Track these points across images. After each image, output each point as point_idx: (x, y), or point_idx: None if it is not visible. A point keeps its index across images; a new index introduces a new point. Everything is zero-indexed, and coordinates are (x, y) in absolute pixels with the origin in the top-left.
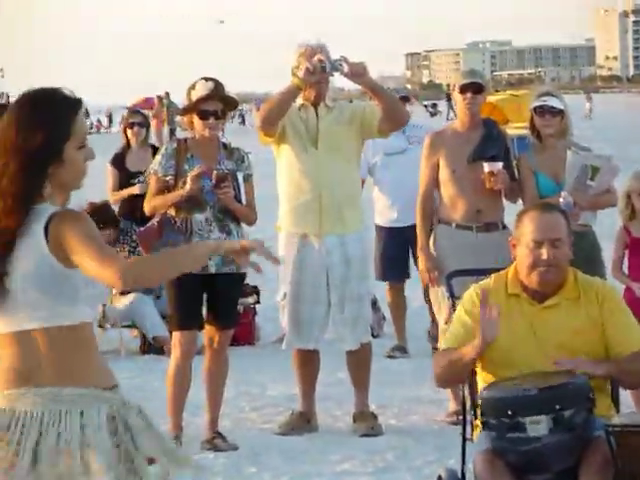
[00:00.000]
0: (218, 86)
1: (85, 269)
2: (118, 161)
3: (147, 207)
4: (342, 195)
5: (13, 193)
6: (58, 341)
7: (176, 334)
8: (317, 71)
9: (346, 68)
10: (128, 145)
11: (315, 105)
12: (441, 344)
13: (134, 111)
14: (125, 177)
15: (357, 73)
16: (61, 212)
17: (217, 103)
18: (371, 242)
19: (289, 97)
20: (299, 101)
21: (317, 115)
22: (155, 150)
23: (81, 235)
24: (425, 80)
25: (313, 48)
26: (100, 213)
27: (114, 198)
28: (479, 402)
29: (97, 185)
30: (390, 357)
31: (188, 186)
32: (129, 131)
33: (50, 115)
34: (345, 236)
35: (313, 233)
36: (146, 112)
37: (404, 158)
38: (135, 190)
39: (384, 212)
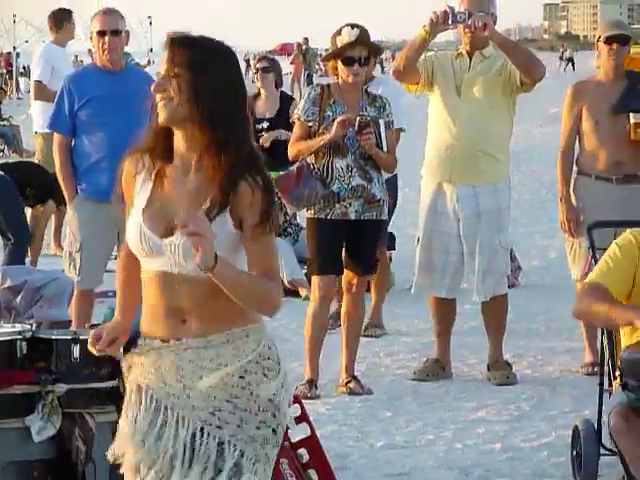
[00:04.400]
0: (363, 33)
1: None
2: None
3: (291, 152)
4: (478, 145)
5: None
6: None
7: (315, 278)
8: (439, 22)
9: (469, 21)
10: (259, 91)
11: (470, 54)
12: (590, 276)
13: (261, 57)
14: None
15: (479, 27)
16: None
17: (362, 50)
18: (508, 193)
19: (416, 47)
20: (460, 49)
21: (470, 64)
22: (283, 97)
23: None
24: (562, 31)
25: None
26: None
27: None
28: (620, 363)
29: None
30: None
31: (334, 131)
32: (255, 76)
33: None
34: (478, 187)
35: (446, 181)
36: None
37: None
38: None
39: None
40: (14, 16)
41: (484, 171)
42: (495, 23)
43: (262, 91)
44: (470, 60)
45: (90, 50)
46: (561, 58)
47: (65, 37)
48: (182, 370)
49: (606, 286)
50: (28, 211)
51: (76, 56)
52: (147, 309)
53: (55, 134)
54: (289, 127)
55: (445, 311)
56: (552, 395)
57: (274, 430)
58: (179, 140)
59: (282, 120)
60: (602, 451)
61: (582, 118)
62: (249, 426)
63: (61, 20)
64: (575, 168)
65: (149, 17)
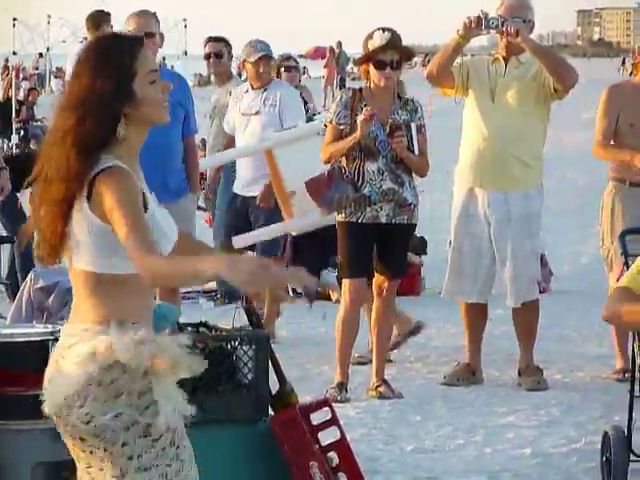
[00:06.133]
0: (395, 36)
1: (122, 243)
2: None
3: (323, 155)
4: (510, 151)
5: (83, 142)
6: (80, 283)
7: (345, 282)
8: (473, 27)
9: (502, 27)
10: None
11: (506, 59)
12: (620, 281)
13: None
14: None
15: (512, 33)
16: (109, 168)
17: (394, 53)
18: (540, 199)
19: (450, 51)
20: (496, 54)
21: (506, 69)
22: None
23: (119, 202)
24: (596, 37)
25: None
26: None
27: None
28: None
29: None
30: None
31: (359, 129)
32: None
33: (110, 58)
34: (509, 193)
35: (477, 186)
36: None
37: (255, 121)
38: None
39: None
40: (49, 17)
41: (516, 177)
42: (532, 30)
43: None
44: (506, 65)
45: None
46: (623, 64)
47: None
48: None
49: (636, 290)
50: None
51: None
52: (141, 310)
53: None
54: None
55: (476, 316)
56: (582, 401)
57: None
58: (139, 139)
59: None
60: (632, 457)
61: (617, 121)
62: None
63: (99, 22)
64: (610, 174)
65: (184, 20)
